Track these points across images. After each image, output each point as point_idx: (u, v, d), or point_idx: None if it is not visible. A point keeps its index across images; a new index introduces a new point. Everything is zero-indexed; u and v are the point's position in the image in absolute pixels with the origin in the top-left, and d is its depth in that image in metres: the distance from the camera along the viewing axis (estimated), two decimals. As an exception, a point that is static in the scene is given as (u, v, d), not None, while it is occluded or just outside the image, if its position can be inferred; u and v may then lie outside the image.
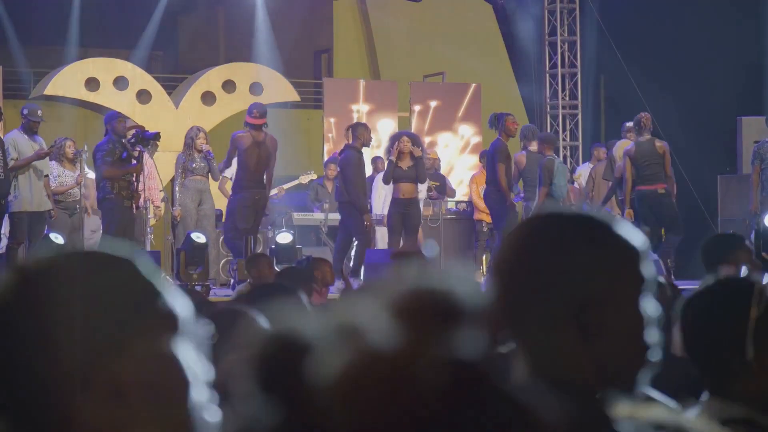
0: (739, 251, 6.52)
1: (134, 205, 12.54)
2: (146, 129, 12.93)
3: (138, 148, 12.53)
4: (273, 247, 13.75)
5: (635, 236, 1.84)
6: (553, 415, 1.15)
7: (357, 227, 13.46)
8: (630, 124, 14.67)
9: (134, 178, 12.48)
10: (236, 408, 1.20)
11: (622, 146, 14.89)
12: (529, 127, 15.49)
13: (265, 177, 13.32)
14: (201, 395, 1.44)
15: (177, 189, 13.84)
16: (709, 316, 2.52)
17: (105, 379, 1.39)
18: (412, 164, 13.81)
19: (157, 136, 12.72)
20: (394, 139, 14.09)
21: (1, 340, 1.42)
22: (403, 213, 13.75)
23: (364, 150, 13.92)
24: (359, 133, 13.68)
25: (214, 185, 14.52)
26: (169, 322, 1.45)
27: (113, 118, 12.82)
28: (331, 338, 1.15)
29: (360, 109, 18.88)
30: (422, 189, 15.27)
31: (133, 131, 12.76)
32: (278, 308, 1.31)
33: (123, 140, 12.57)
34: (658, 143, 13.85)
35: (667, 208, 13.65)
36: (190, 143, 13.83)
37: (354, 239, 13.85)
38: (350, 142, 13.68)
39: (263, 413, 1.15)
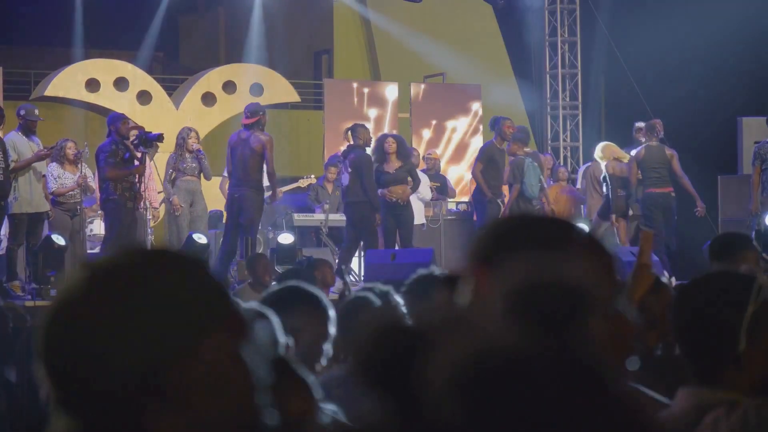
0: (747, 251, 6.48)
1: (137, 206, 12.59)
2: (145, 130, 12.97)
3: (140, 150, 12.57)
4: (274, 247, 13.76)
5: (605, 240, 1.78)
6: (663, 418, 1.14)
7: (370, 227, 13.47)
8: (641, 124, 14.85)
9: (137, 180, 12.52)
10: (345, 404, 1.18)
11: (607, 148, 15.15)
12: (523, 129, 15.58)
13: (264, 175, 13.29)
14: (262, 399, 1.42)
15: (166, 187, 13.88)
16: (704, 304, 2.54)
17: (175, 380, 1.37)
18: (399, 166, 13.82)
19: (160, 138, 12.73)
20: (380, 140, 14.11)
21: (69, 338, 1.39)
22: (395, 215, 13.78)
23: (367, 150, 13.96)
24: (359, 133, 13.71)
25: (207, 186, 14.52)
26: (238, 325, 1.43)
27: (117, 119, 12.80)
28: (445, 331, 1.14)
29: (362, 97, 18.88)
30: (426, 191, 15.37)
31: (135, 132, 12.79)
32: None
33: (126, 141, 12.59)
34: (668, 150, 14.29)
35: (673, 211, 14.19)
36: (181, 143, 13.91)
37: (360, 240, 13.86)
38: (352, 142, 13.70)
39: (372, 409, 1.13)
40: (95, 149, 12.97)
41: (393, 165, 13.82)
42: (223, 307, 1.43)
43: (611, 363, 1.15)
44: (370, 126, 15.58)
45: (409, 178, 14.11)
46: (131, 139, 12.64)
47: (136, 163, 12.55)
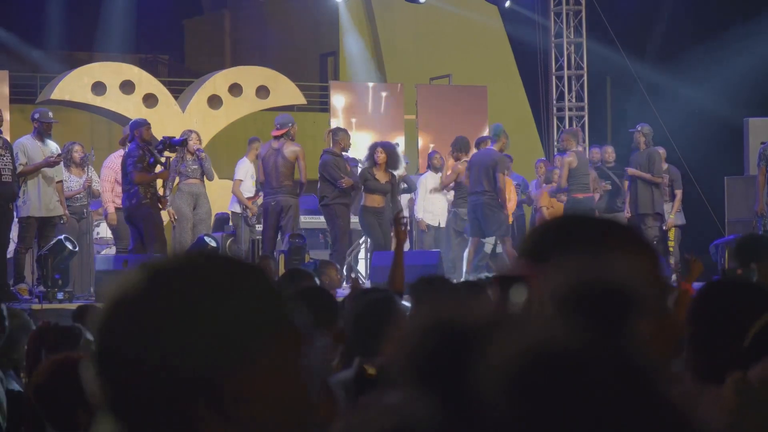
0: None
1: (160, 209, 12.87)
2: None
3: (164, 155, 12.74)
4: (284, 249, 13.80)
5: None
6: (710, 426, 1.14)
7: (333, 232, 13.73)
8: (644, 126, 15.03)
9: (162, 184, 12.76)
10: (392, 401, 1.16)
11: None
12: (462, 139, 15.57)
13: (293, 182, 13.62)
14: (313, 414, 1.40)
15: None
16: (724, 303, 2.67)
17: (232, 390, 1.33)
18: (388, 179, 13.88)
19: (184, 143, 13.17)
20: (371, 149, 14.21)
21: (127, 338, 1.35)
22: (377, 221, 13.88)
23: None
24: (340, 137, 13.94)
25: (212, 190, 14.52)
26: (296, 337, 1.39)
27: (141, 125, 12.88)
28: (497, 329, 1.13)
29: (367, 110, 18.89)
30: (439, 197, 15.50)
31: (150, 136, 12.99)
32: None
33: (149, 147, 12.74)
34: (588, 156, 15.39)
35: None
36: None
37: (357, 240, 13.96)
38: (330, 146, 13.90)
39: (421, 406, 1.12)
40: (101, 153, 13.02)
41: (382, 176, 13.90)
42: (283, 317, 1.39)
43: (660, 363, 1.15)
44: (374, 128, 15.61)
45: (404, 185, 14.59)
46: (156, 144, 12.80)
47: (160, 168, 12.72)
